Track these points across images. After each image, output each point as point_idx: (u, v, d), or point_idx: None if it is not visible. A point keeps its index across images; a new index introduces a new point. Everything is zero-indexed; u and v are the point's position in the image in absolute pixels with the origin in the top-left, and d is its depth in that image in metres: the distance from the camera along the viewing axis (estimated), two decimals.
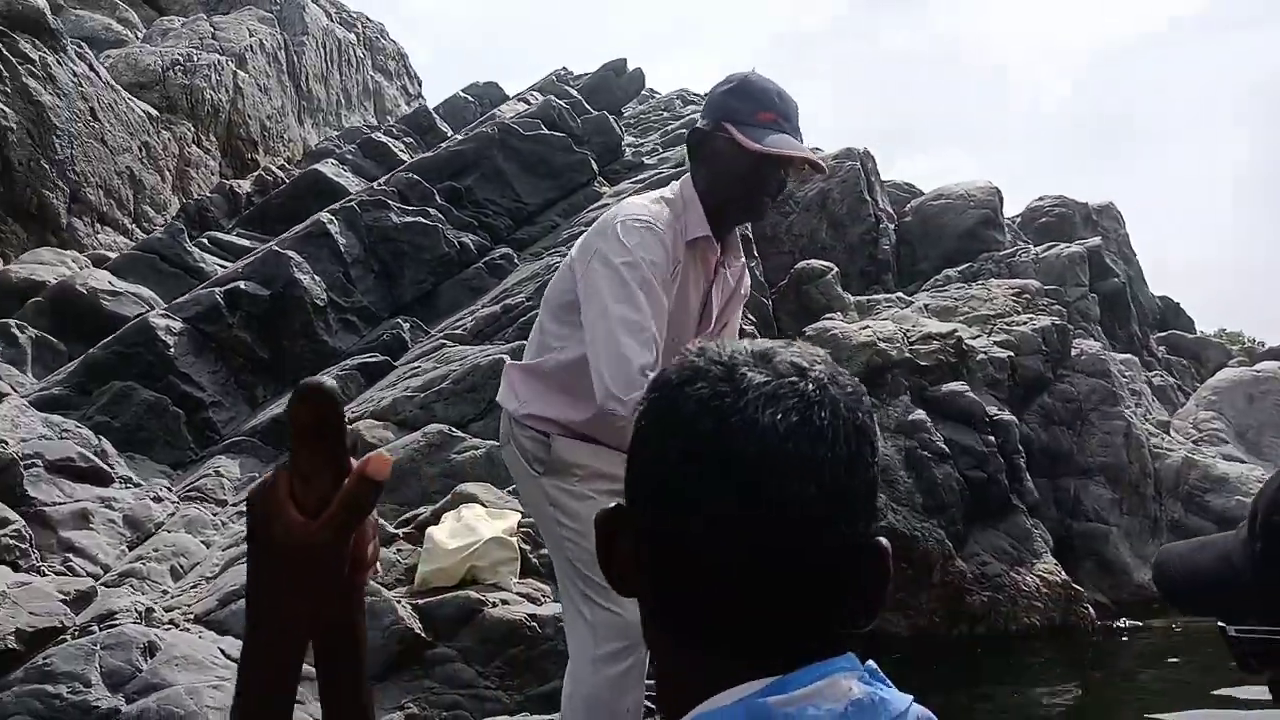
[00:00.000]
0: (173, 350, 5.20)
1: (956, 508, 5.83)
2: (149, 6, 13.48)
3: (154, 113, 9.86)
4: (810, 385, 0.73)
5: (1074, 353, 7.32)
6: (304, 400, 0.64)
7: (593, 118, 8.03)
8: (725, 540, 0.70)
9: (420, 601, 3.09)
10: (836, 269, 7.52)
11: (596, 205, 6.80)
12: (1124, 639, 6.05)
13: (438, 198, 6.60)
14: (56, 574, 3.44)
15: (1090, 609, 5.96)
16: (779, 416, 0.70)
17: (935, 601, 5.66)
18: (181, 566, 3.61)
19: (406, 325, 5.69)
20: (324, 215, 6.16)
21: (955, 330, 6.69)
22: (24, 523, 3.44)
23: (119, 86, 9.36)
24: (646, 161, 7.83)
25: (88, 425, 4.83)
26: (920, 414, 6.12)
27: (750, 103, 2.23)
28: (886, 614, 5.68)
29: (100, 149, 8.82)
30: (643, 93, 12.90)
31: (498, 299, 5.64)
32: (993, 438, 6.13)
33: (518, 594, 3.14)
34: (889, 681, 0.76)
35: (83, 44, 9.32)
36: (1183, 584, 1.04)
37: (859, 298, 7.54)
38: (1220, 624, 0.97)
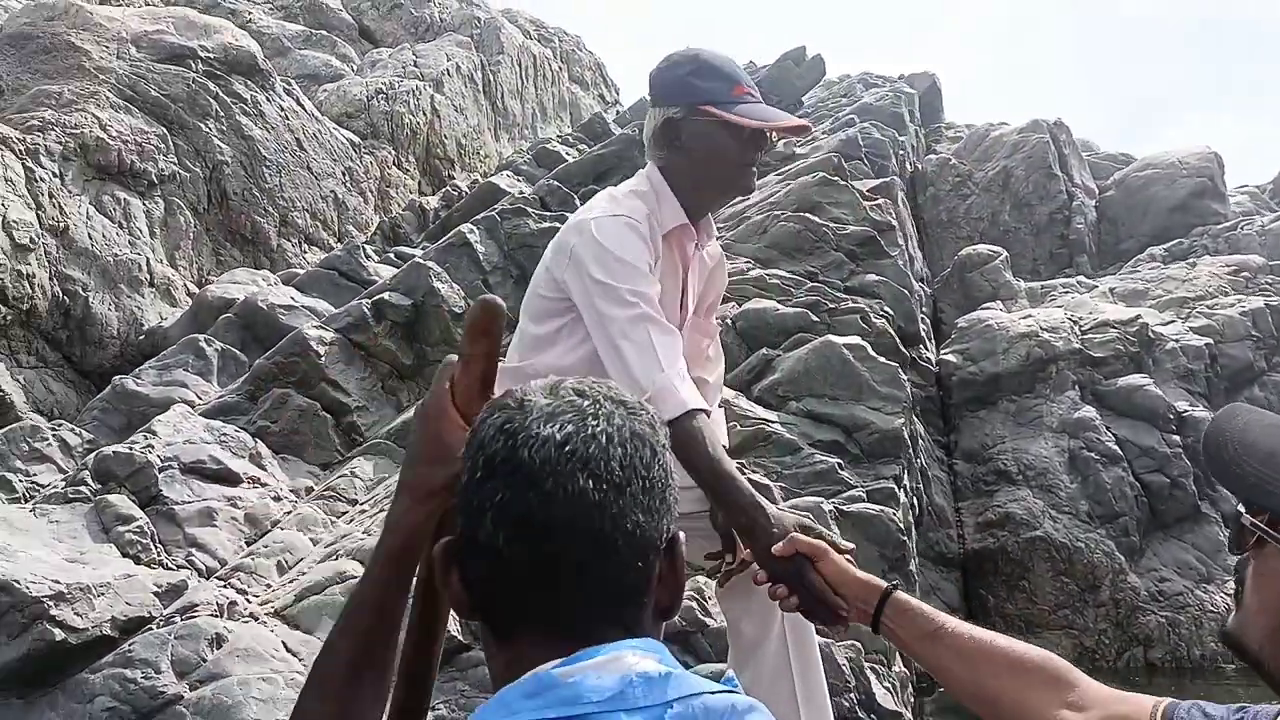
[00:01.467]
0: (324, 359, 5.60)
1: (1130, 516, 5.20)
2: (365, 40, 14.64)
3: (356, 140, 10.68)
4: (587, 402, 0.86)
5: None
6: (482, 307, 0.96)
7: None
8: (518, 536, 0.80)
9: None
10: (1005, 253, 6.92)
11: (735, 199, 6.66)
12: None
13: (578, 201, 6.70)
14: (179, 567, 3.80)
15: None
16: (556, 427, 0.83)
17: (1103, 621, 5.08)
18: (286, 563, 3.88)
19: None
20: (465, 225, 6.42)
21: (1139, 316, 5.97)
22: (147, 520, 3.83)
23: (322, 117, 10.22)
24: (799, 150, 7.56)
25: (250, 430, 5.30)
26: (1089, 411, 5.52)
27: (721, 81, 2.15)
28: (1047, 633, 5.16)
29: (306, 176, 9.67)
30: (826, 79, 12.52)
31: None
32: (1178, 437, 5.41)
33: None
34: (734, 682, 0.84)
35: (291, 81, 10.25)
36: (1232, 451, 0.99)
37: (1034, 284, 6.90)
38: (1240, 507, 0.98)
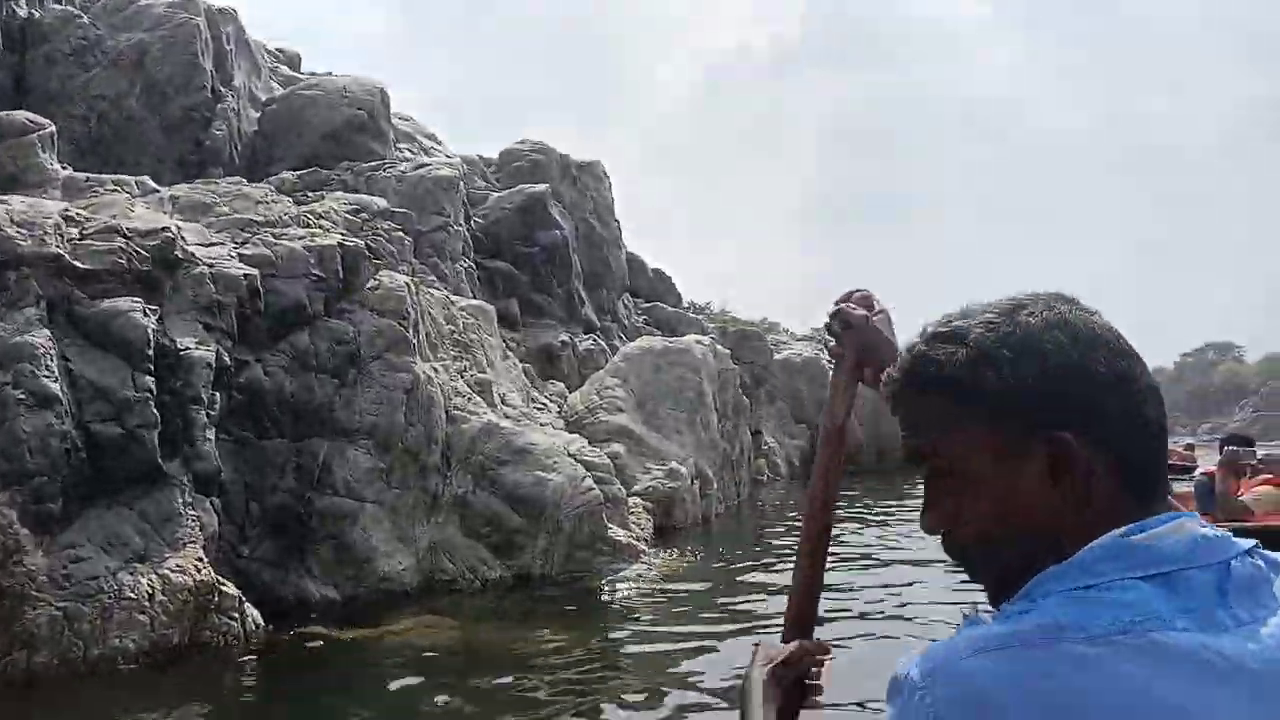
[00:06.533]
0: None
1: (51, 476, 3.99)
2: None
3: None
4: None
5: (370, 285, 5.86)
6: None
7: None
8: (1152, 403, 0.86)
9: None
10: (51, 126, 5.43)
11: None
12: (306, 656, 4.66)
13: None
14: None
15: (241, 625, 4.46)
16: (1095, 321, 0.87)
17: None
18: None
19: None
20: None
21: (166, 229, 4.84)
22: None
23: None
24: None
25: None
26: (41, 336, 4.20)
27: None
28: None
29: None
30: None
31: None
32: (152, 379, 4.38)
33: None
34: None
35: None
36: None
37: (78, 174, 5.47)
38: None
